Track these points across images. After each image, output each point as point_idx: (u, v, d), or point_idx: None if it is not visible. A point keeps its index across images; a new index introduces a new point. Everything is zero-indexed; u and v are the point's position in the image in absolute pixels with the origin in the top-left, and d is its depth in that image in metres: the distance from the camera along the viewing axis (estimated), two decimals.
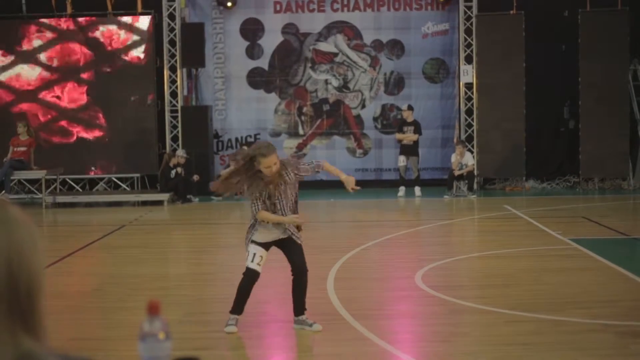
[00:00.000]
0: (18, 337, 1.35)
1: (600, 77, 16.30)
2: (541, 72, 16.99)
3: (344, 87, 18.00)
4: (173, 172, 15.91)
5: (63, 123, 17.16)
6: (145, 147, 17.04)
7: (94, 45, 17.10)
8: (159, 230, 13.04)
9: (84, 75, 17.14)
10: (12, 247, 1.37)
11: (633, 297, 7.12)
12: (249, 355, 5.89)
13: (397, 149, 16.82)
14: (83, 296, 7.70)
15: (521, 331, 6.00)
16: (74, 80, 17.13)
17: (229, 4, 17.59)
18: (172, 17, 17.19)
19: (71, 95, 17.19)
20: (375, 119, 18.05)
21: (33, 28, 17.10)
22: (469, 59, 17.14)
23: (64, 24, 17.12)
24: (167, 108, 17.25)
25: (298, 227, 6.25)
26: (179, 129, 17.13)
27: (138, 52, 17.13)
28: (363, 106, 18.04)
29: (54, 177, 16.21)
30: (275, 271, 7.16)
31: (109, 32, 17.13)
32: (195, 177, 16.14)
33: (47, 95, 17.17)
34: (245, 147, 16.79)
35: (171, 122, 17.32)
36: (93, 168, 17.23)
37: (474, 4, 17.00)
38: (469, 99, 17.23)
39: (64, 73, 17.11)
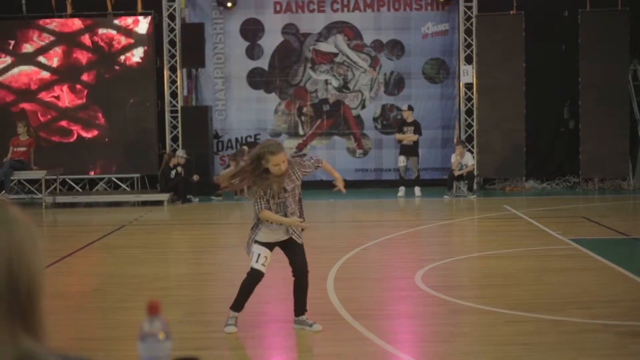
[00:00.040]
0: (18, 337, 1.35)
1: (600, 77, 16.31)
2: (541, 72, 16.99)
3: (344, 87, 18.01)
4: (173, 172, 15.91)
5: (63, 123, 17.17)
6: (145, 147, 17.04)
7: (94, 45, 17.11)
8: (159, 230, 13.05)
9: (84, 76, 17.15)
10: (12, 247, 1.37)
11: (633, 297, 7.12)
12: (249, 355, 5.89)
13: (397, 149, 16.82)
14: (83, 296, 7.70)
15: (521, 331, 6.00)
16: (74, 80, 17.13)
17: (229, 4, 17.59)
18: (172, 17, 17.19)
19: (71, 96, 17.20)
20: (375, 119, 18.06)
21: (33, 28, 17.10)
22: (469, 59, 17.14)
23: (64, 24, 17.12)
24: (167, 108, 17.26)
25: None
26: (179, 129, 17.13)
27: (138, 53, 17.13)
28: (363, 106, 18.04)
29: (54, 177, 16.22)
30: (275, 271, 7.15)
31: (109, 33, 17.14)
32: (195, 177, 16.15)
33: (47, 96, 17.17)
34: (245, 147, 16.79)
35: (171, 122, 17.32)
36: (92, 167, 17.23)
37: (474, 4, 17.00)
38: (469, 99, 17.23)
39: (64, 73, 17.12)
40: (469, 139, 17.19)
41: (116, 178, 17.36)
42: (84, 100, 17.16)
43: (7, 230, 1.39)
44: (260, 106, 18.05)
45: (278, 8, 17.82)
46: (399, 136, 16.46)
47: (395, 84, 17.98)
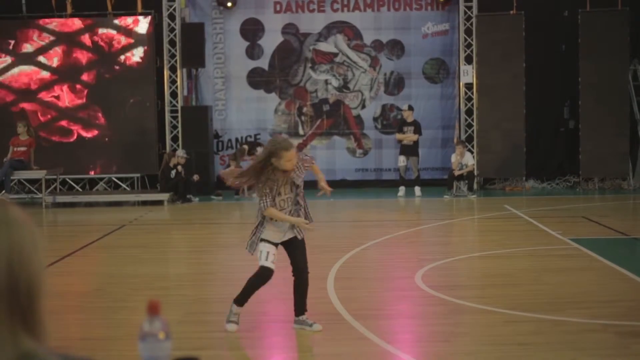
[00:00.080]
0: (19, 336, 1.35)
1: (600, 77, 16.31)
2: (541, 72, 16.99)
3: (344, 87, 18.01)
4: (173, 172, 15.91)
5: (63, 123, 17.17)
6: (145, 147, 17.04)
7: (94, 45, 17.11)
8: (159, 230, 13.05)
9: (84, 75, 17.15)
10: (12, 247, 1.37)
11: (633, 297, 7.12)
12: (249, 355, 5.89)
13: (397, 149, 16.82)
14: (83, 296, 7.70)
15: (521, 331, 6.00)
16: (74, 80, 17.13)
17: (229, 4, 17.59)
18: (172, 17, 17.19)
19: (71, 96, 17.20)
20: (375, 119, 18.06)
21: (33, 28, 17.10)
22: (469, 59, 17.14)
23: (64, 24, 17.12)
24: (167, 108, 17.25)
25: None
26: (179, 129, 17.13)
27: (138, 52, 17.13)
28: (363, 106, 18.04)
29: (54, 177, 16.22)
30: (275, 271, 7.15)
31: (109, 32, 17.14)
32: (195, 177, 16.15)
33: (47, 96, 17.17)
34: (245, 146, 16.80)
35: (171, 122, 17.32)
36: (92, 167, 17.23)
37: (474, 4, 17.00)
38: (469, 99, 17.23)
39: (64, 73, 17.12)
40: (469, 138, 17.19)
41: (116, 178, 17.36)
42: (84, 100, 17.16)
43: (8, 230, 1.39)
44: (260, 106, 18.05)
45: (278, 8, 17.82)
46: (399, 136, 16.46)
47: (395, 84, 17.98)
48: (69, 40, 17.10)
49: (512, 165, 16.90)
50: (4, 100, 17.12)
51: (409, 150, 16.25)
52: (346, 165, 17.98)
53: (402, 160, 16.36)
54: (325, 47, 17.94)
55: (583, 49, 16.47)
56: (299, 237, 6.15)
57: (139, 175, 17.13)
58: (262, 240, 6.10)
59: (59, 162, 16.40)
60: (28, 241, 1.40)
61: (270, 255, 6.06)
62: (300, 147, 17.87)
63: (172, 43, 17.22)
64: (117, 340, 5.98)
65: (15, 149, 15.83)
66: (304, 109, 18.02)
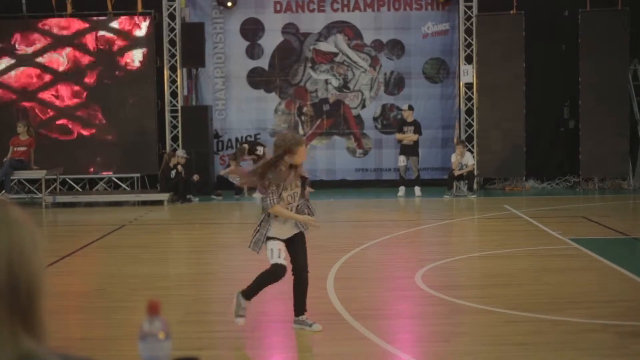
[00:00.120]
0: (19, 336, 1.35)
1: (600, 77, 16.30)
2: (541, 72, 16.99)
3: (344, 87, 18.00)
4: (173, 172, 15.91)
5: (63, 123, 17.16)
6: (145, 147, 17.04)
7: (94, 45, 17.10)
8: (159, 230, 13.05)
9: (84, 75, 17.14)
10: (12, 247, 1.37)
11: (633, 297, 7.12)
12: (249, 355, 5.89)
13: (397, 149, 16.82)
14: (83, 296, 7.70)
15: (521, 331, 6.00)
16: (74, 80, 17.13)
17: (229, 4, 17.59)
18: (172, 17, 17.19)
19: (71, 95, 17.19)
20: (375, 119, 18.05)
21: (34, 27, 17.10)
22: (469, 59, 17.14)
23: (65, 24, 17.11)
24: (167, 108, 17.25)
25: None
26: (179, 129, 17.13)
27: (138, 52, 17.13)
28: (363, 106, 18.04)
29: (54, 177, 16.22)
30: None
31: (109, 32, 17.13)
32: (195, 177, 16.15)
33: (47, 95, 17.17)
34: (245, 145, 16.78)
35: (171, 122, 17.32)
36: (92, 167, 17.23)
37: (474, 4, 17.00)
38: (469, 99, 17.23)
39: (64, 73, 17.11)
40: (469, 138, 17.19)
41: (116, 178, 17.36)
42: (84, 100, 17.15)
43: (8, 230, 1.39)
44: (260, 106, 18.05)
45: (278, 8, 17.82)
46: (399, 136, 16.46)
47: (396, 84, 17.97)
48: (69, 40, 17.09)
49: (512, 165, 16.90)
50: (4, 99, 17.12)
51: (409, 150, 16.25)
52: (346, 165, 17.98)
53: (402, 160, 16.36)
54: (325, 46, 17.94)
55: (583, 49, 16.47)
56: (303, 230, 6.16)
57: (139, 175, 17.13)
58: (270, 238, 6.07)
59: (59, 162, 16.40)
60: (28, 241, 1.40)
61: (281, 253, 6.04)
62: None
63: (172, 43, 17.22)
64: (117, 340, 5.98)
65: (15, 149, 15.83)
66: (304, 109, 18.02)
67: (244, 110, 18.05)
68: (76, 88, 17.17)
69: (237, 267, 9.14)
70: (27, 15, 17.30)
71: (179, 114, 17.14)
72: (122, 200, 16.17)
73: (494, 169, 17.10)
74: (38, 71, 17.13)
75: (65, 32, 17.10)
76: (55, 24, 17.10)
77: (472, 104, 17.16)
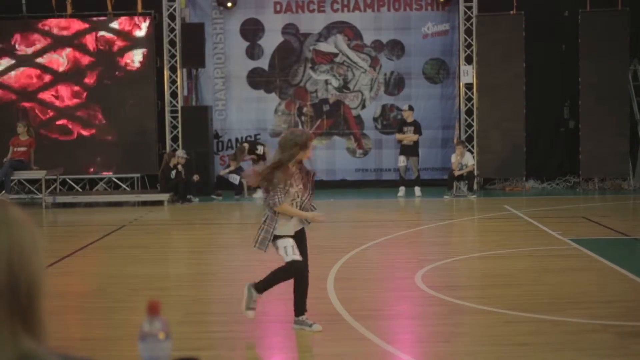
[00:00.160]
0: (19, 336, 1.35)
1: (600, 77, 16.30)
2: (541, 72, 16.99)
3: (344, 87, 18.00)
4: (173, 172, 15.91)
5: (63, 123, 17.16)
6: (145, 147, 17.04)
7: (94, 45, 17.10)
8: (159, 230, 13.05)
9: (84, 76, 17.14)
10: (13, 247, 1.37)
11: (633, 297, 7.13)
12: (248, 356, 5.89)
13: (397, 149, 16.82)
14: (83, 296, 7.70)
15: (521, 331, 6.01)
16: (74, 80, 17.13)
17: (229, 4, 17.59)
18: (172, 17, 17.19)
19: (71, 96, 17.19)
20: (375, 119, 18.05)
21: (34, 28, 17.10)
22: (469, 59, 17.14)
23: (65, 24, 17.12)
24: (167, 108, 17.25)
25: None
26: (179, 129, 17.13)
27: (138, 52, 17.13)
28: (363, 106, 18.04)
29: (54, 177, 16.22)
30: None
31: (109, 33, 17.13)
32: (195, 177, 16.14)
33: (47, 95, 17.17)
34: (245, 144, 16.77)
35: (171, 122, 17.32)
36: (93, 167, 17.23)
37: (474, 4, 17.00)
38: (469, 99, 17.23)
39: (64, 73, 17.11)
40: (469, 139, 17.19)
41: (116, 178, 17.36)
42: (84, 100, 17.16)
43: (8, 230, 1.39)
44: (260, 106, 18.05)
45: (278, 8, 17.82)
46: (399, 136, 16.46)
47: (395, 84, 17.97)
48: (69, 40, 17.09)
49: (512, 165, 16.90)
50: (4, 100, 17.12)
51: (409, 151, 16.25)
52: (346, 165, 17.98)
53: (402, 161, 16.36)
54: (325, 47, 17.94)
55: (583, 49, 16.47)
56: (306, 226, 6.18)
57: (139, 175, 17.12)
58: (278, 236, 6.06)
59: (59, 162, 16.39)
60: (28, 241, 1.40)
61: (294, 249, 6.04)
62: None
63: (172, 43, 17.21)
64: (117, 340, 5.98)
65: (15, 149, 15.83)
66: (304, 109, 18.02)
67: (244, 111, 18.05)
68: (76, 88, 17.17)
69: (237, 268, 9.14)
70: (27, 15, 17.30)
71: (179, 114, 17.14)
72: (122, 200, 16.17)
73: (494, 169, 17.10)
74: (38, 71, 17.13)
75: (65, 33, 17.10)
76: (55, 25, 17.10)
77: (472, 104, 17.16)
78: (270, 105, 18.02)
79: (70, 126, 17.19)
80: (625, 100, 16.62)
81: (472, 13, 17.04)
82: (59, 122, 17.16)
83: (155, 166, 16.82)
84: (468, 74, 17.02)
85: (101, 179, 17.43)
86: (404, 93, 17.89)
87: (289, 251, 6.02)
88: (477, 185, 16.65)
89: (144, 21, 17.08)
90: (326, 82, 17.99)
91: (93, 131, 17.20)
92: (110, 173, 17.29)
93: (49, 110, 17.17)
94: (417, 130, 16.25)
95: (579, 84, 16.58)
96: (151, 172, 16.96)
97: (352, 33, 17.88)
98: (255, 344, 6.02)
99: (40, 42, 17.10)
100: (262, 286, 6.15)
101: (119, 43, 17.12)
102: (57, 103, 17.17)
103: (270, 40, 17.87)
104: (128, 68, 17.14)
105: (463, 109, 17.34)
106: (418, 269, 8.42)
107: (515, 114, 16.70)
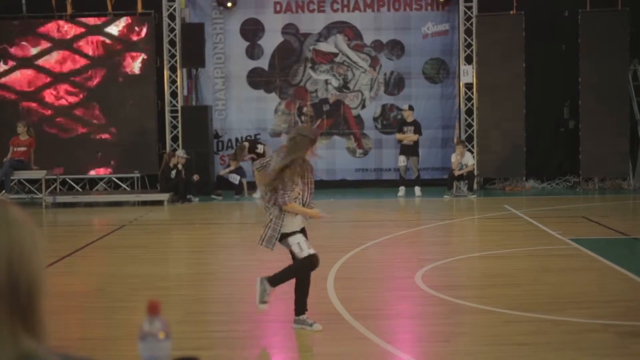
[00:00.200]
0: (19, 336, 1.35)
1: (600, 77, 16.30)
2: (541, 72, 16.99)
3: (344, 87, 18.00)
4: (173, 172, 15.91)
5: (63, 123, 17.16)
6: (145, 147, 17.04)
7: (95, 45, 17.10)
8: (159, 230, 13.05)
9: (84, 76, 17.14)
10: (13, 247, 1.37)
11: (633, 297, 7.12)
12: (249, 355, 5.89)
13: (397, 149, 16.82)
14: (83, 296, 7.70)
15: (521, 331, 6.01)
16: (74, 80, 17.13)
17: (229, 4, 17.58)
18: (172, 17, 17.19)
19: (71, 95, 17.19)
20: (375, 119, 18.05)
21: (34, 29, 17.10)
22: (469, 59, 17.14)
23: (65, 25, 17.11)
24: (167, 108, 17.25)
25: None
26: (179, 129, 17.13)
27: (138, 53, 17.12)
28: (363, 106, 18.04)
29: (54, 177, 16.22)
30: (276, 270, 7.15)
31: (110, 33, 17.13)
32: (196, 177, 16.14)
33: (47, 95, 17.17)
34: (246, 143, 16.75)
35: (171, 122, 17.31)
36: (92, 167, 17.23)
37: (474, 4, 17.00)
38: (469, 99, 17.23)
39: (64, 73, 17.11)
40: (469, 138, 17.19)
41: (116, 178, 17.36)
42: (84, 100, 17.15)
43: (8, 230, 1.39)
44: (260, 106, 18.05)
45: (278, 8, 17.82)
46: (399, 136, 16.46)
47: (395, 84, 17.97)
48: (69, 40, 17.09)
49: (512, 165, 16.90)
50: (4, 100, 17.11)
51: (409, 150, 16.25)
52: (346, 165, 17.98)
53: (402, 160, 16.36)
54: (325, 47, 17.94)
55: (583, 49, 16.47)
56: (305, 225, 6.21)
57: (139, 175, 17.12)
58: (287, 234, 6.04)
59: (59, 162, 16.38)
60: (28, 241, 1.40)
61: (307, 243, 6.05)
62: None
63: (172, 43, 17.21)
64: (117, 340, 5.98)
65: (15, 149, 15.83)
66: (304, 109, 18.01)
67: (244, 111, 18.05)
68: (76, 89, 17.16)
69: (237, 267, 9.14)
70: (27, 15, 17.30)
71: (179, 114, 17.14)
72: (122, 200, 16.17)
73: (494, 169, 17.10)
74: (38, 72, 17.12)
75: (65, 33, 17.10)
76: (55, 24, 17.09)
77: (472, 104, 17.16)
78: (270, 105, 18.02)
79: (70, 126, 17.18)
80: (625, 100, 16.62)
81: (472, 13, 17.04)
82: (59, 122, 17.15)
83: (155, 166, 16.82)
84: (468, 73, 17.02)
85: (101, 179, 17.43)
86: (404, 93, 17.89)
87: (303, 246, 6.03)
88: (477, 185, 16.65)
89: (144, 21, 17.07)
90: (326, 82, 17.99)
91: (93, 131, 17.18)
92: (110, 173, 17.28)
93: (49, 110, 17.17)
94: (417, 130, 16.25)
95: (579, 84, 16.58)
96: (151, 172, 16.96)
97: (352, 33, 17.88)
98: (255, 344, 6.02)
99: (40, 43, 17.08)
100: (277, 280, 6.12)
101: (119, 43, 17.11)
102: (58, 103, 17.16)
103: (270, 40, 17.87)
104: (128, 68, 17.14)
105: (463, 108, 17.34)
106: (418, 269, 8.42)
107: (515, 114, 16.70)
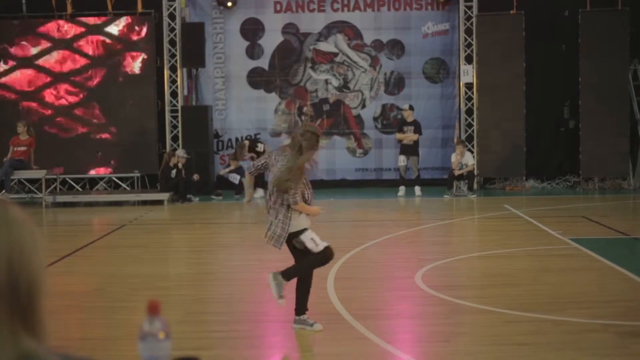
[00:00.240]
0: (19, 336, 1.35)
1: (600, 77, 16.30)
2: (541, 72, 16.99)
3: (344, 87, 18.00)
4: (173, 171, 15.91)
5: (63, 123, 17.16)
6: (145, 146, 17.04)
7: (95, 45, 17.10)
8: (159, 229, 13.05)
9: (85, 75, 17.14)
10: (13, 246, 1.37)
11: (633, 297, 7.12)
12: (249, 355, 5.89)
13: (397, 148, 16.82)
14: (83, 296, 7.69)
15: (521, 331, 6.01)
16: (74, 80, 17.13)
17: (229, 3, 17.58)
18: (172, 17, 17.18)
19: (71, 95, 17.19)
20: (375, 119, 18.05)
21: (34, 28, 17.10)
22: (469, 59, 17.14)
23: (65, 24, 17.11)
24: (167, 108, 17.25)
25: None
26: (179, 129, 17.13)
27: (138, 52, 17.13)
28: (363, 106, 18.04)
29: (54, 176, 16.22)
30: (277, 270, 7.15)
31: (110, 32, 17.13)
32: (196, 177, 16.14)
33: (47, 95, 17.17)
34: (246, 142, 16.75)
35: (171, 122, 17.31)
36: (93, 167, 17.23)
37: (474, 4, 16.99)
38: (469, 99, 17.23)
39: (65, 73, 17.11)
40: (469, 138, 17.19)
41: (116, 177, 17.36)
42: (84, 100, 17.15)
43: (8, 229, 1.38)
44: (261, 106, 18.05)
45: (278, 8, 17.81)
46: (399, 136, 16.46)
47: (396, 84, 17.97)
48: (69, 40, 17.09)
49: (512, 165, 16.90)
50: (4, 100, 17.11)
51: (409, 150, 16.25)
52: (346, 165, 17.98)
53: (402, 160, 16.36)
54: (325, 46, 17.94)
55: (583, 48, 16.47)
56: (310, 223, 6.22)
57: (139, 175, 17.12)
58: (296, 233, 6.03)
59: (59, 162, 16.38)
60: (28, 241, 1.40)
61: (319, 237, 6.06)
62: None
63: (172, 43, 17.21)
64: (117, 340, 5.98)
65: (15, 148, 15.83)
66: (304, 109, 18.01)
67: (244, 110, 18.05)
68: (76, 88, 17.16)
69: (237, 267, 9.14)
70: (27, 15, 17.30)
71: (179, 114, 17.14)
72: (122, 200, 16.17)
73: (494, 169, 17.10)
74: (38, 71, 17.12)
75: (65, 33, 17.10)
76: (55, 24, 17.09)
77: (472, 104, 17.16)
78: (271, 105, 18.02)
79: (70, 126, 17.18)
80: (625, 100, 16.62)
81: (472, 13, 17.03)
82: (59, 122, 17.15)
83: (155, 166, 16.82)
84: (468, 73, 17.02)
85: (101, 179, 17.43)
86: (404, 93, 17.89)
87: (317, 241, 6.05)
88: (477, 185, 16.64)
89: (144, 21, 17.07)
90: (326, 81, 17.99)
91: (93, 131, 17.18)
92: (110, 172, 17.28)
93: (49, 110, 17.17)
94: (417, 129, 16.25)
95: (579, 84, 16.58)
96: (151, 172, 16.96)
97: (352, 33, 17.88)
98: (255, 344, 6.01)
99: (41, 42, 17.08)
100: (291, 274, 6.10)
101: (119, 43, 17.11)
102: (58, 103, 17.16)
103: (271, 40, 17.86)
104: (128, 68, 17.14)
105: (463, 108, 17.34)
106: (418, 269, 8.42)
107: (515, 113, 16.70)
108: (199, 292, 7.78)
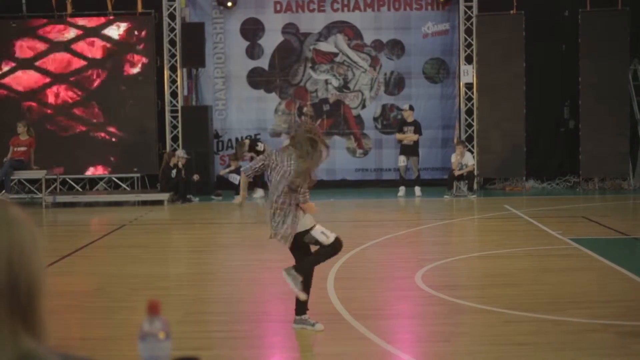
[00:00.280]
0: (19, 336, 1.35)
1: (600, 77, 16.30)
2: (541, 72, 16.99)
3: (344, 87, 18.00)
4: (173, 171, 15.91)
5: (63, 123, 17.16)
6: (145, 147, 17.04)
7: (95, 45, 17.10)
8: (159, 229, 13.05)
9: (85, 75, 17.14)
10: (13, 246, 1.37)
11: (633, 297, 7.12)
12: (249, 355, 5.89)
13: (397, 149, 16.82)
14: (83, 296, 7.69)
15: (521, 331, 6.00)
16: (74, 80, 17.13)
17: (229, 3, 17.58)
18: (172, 17, 17.19)
19: (71, 95, 17.19)
20: (375, 119, 18.05)
21: (34, 29, 17.10)
22: (469, 59, 17.14)
23: (65, 24, 17.11)
24: (167, 108, 17.25)
25: None
26: (179, 129, 17.13)
27: (138, 52, 17.13)
28: (363, 106, 18.04)
29: (54, 176, 16.22)
30: (276, 271, 7.15)
31: (110, 32, 17.13)
32: (196, 177, 16.15)
33: (47, 96, 17.17)
34: (246, 141, 16.76)
35: (171, 122, 17.32)
36: (93, 167, 17.23)
37: (474, 4, 17.00)
38: (469, 99, 17.23)
39: (65, 73, 17.11)
40: (469, 138, 17.19)
41: (116, 178, 17.36)
42: (85, 100, 17.15)
43: (8, 230, 1.39)
44: (261, 106, 18.05)
45: (278, 8, 17.81)
46: (399, 136, 16.46)
47: (396, 84, 17.97)
48: (69, 41, 17.09)
49: (512, 165, 16.90)
50: (4, 100, 17.11)
51: (409, 150, 16.25)
52: (346, 165, 17.97)
53: (402, 160, 16.36)
54: (325, 47, 17.94)
55: (583, 48, 16.47)
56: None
57: (139, 175, 17.13)
58: (305, 231, 6.02)
59: (59, 162, 16.38)
60: (28, 241, 1.40)
61: (328, 230, 6.07)
62: None
63: (172, 43, 17.22)
64: (117, 340, 5.98)
65: (15, 149, 15.83)
66: (304, 109, 18.01)
67: (244, 110, 18.05)
68: (76, 88, 17.16)
69: (237, 267, 9.14)
70: (27, 15, 17.30)
71: (179, 114, 17.14)
72: (122, 200, 16.17)
73: (494, 169, 17.10)
74: (39, 72, 17.12)
75: (65, 33, 17.10)
76: (56, 24, 17.08)
77: (472, 104, 17.16)
78: (271, 105, 18.02)
79: (70, 126, 17.18)
80: (625, 100, 16.62)
81: (472, 13, 17.04)
82: (60, 122, 17.15)
83: (155, 166, 16.82)
84: (468, 73, 17.02)
85: (101, 179, 17.43)
86: (404, 93, 17.89)
87: (327, 233, 6.06)
88: (477, 185, 16.65)
89: (144, 21, 17.07)
90: (326, 81, 17.99)
91: (93, 131, 17.19)
92: (110, 172, 17.28)
93: (49, 110, 17.17)
94: (417, 130, 16.25)
95: (579, 84, 16.58)
96: (151, 172, 16.96)
97: (352, 33, 17.88)
98: (255, 344, 6.01)
99: (41, 42, 17.08)
100: (305, 267, 6.09)
101: (119, 43, 17.10)
102: (58, 103, 17.16)
103: (271, 40, 17.87)
104: (128, 68, 17.14)
105: (463, 108, 17.34)
106: (418, 269, 8.42)
107: (515, 114, 16.71)
108: (199, 292, 7.78)
